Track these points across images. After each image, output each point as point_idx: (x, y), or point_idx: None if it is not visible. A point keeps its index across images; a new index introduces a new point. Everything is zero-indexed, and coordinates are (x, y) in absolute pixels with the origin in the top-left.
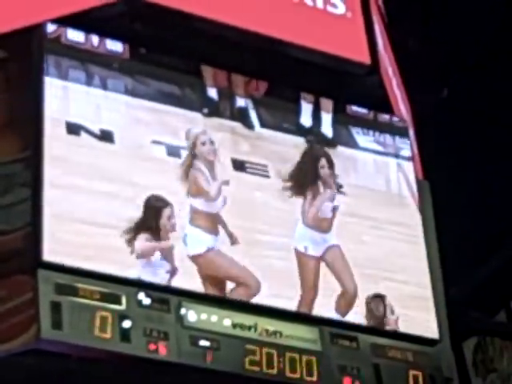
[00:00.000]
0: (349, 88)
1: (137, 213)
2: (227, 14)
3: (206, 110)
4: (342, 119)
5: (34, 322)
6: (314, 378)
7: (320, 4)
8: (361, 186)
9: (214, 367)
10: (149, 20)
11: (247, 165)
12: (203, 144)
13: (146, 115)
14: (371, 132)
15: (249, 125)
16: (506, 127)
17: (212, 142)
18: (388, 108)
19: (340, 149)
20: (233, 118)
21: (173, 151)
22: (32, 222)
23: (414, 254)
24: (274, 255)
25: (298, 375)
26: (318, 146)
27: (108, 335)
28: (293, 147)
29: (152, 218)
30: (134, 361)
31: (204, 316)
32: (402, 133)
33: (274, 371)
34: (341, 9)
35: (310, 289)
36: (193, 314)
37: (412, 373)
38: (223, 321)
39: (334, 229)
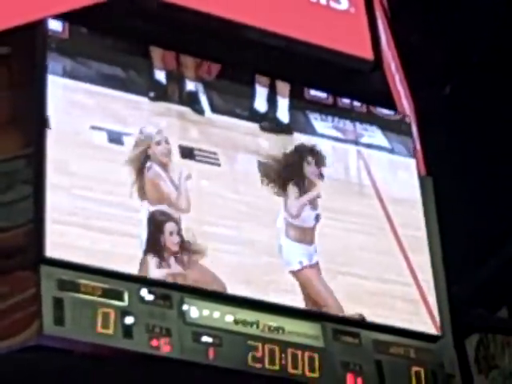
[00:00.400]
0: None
1: (71, 204)
2: (229, 10)
3: (152, 94)
4: (300, 104)
5: (37, 317)
6: (317, 375)
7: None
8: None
9: (217, 363)
10: None
11: (196, 152)
12: (158, 144)
13: (85, 99)
14: (330, 118)
15: (198, 110)
16: (510, 124)
17: (167, 142)
18: (391, 104)
19: (296, 135)
20: (181, 102)
21: (114, 137)
22: (34, 219)
23: (376, 246)
24: (222, 248)
25: (300, 371)
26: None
27: (110, 331)
28: (246, 134)
29: (155, 236)
30: (136, 357)
31: (206, 312)
32: (363, 119)
33: (277, 367)
34: (344, 4)
35: (324, 298)
36: (195, 310)
37: (414, 369)
38: (225, 317)
39: (315, 242)
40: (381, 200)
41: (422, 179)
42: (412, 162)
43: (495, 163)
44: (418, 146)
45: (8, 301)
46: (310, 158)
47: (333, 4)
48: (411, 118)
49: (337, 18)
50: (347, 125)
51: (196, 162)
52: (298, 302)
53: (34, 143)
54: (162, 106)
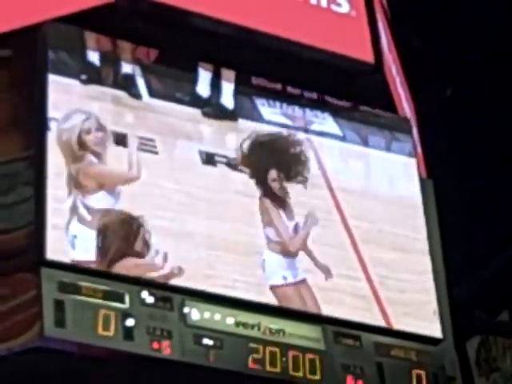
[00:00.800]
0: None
1: None
2: (231, 13)
3: (84, 77)
4: (246, 89)
5: (38, 319)
6: (317, 377)
7: (324, 3)
8: None
9: (217, 366)
10: None
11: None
12: (88, 132)
13: None
14: (278, 104)
15: (135, 94)
16: (511, 126)
17: (100, 128)
18: (392, 107)
19: (242, 122)
20: (116, 85)
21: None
22: (35, 221)
23: (326, 239)
24: (159, 241)
25: (301, 374)
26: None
27: (111, 333)
28: (187, 120)
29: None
30: (136, 359)
31: (207, 314)
32: (314, 105)
33: (277, 370)
34: (345, 7)
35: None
36: (196, 313)
37: (415, 372)
38: (226, 319)
39: (301, 253)
40: (331, 190)
41: (422, 182)
42: (368, 152)
43: (497, 165)
44: (419, 149)
45: (9, 303)
46: (274, 173)
47: (334, 7)
48: (412, 121)
49: (337, 21)
50: (296, 111)
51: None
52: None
53: (34, 145)
54: (95, 89)
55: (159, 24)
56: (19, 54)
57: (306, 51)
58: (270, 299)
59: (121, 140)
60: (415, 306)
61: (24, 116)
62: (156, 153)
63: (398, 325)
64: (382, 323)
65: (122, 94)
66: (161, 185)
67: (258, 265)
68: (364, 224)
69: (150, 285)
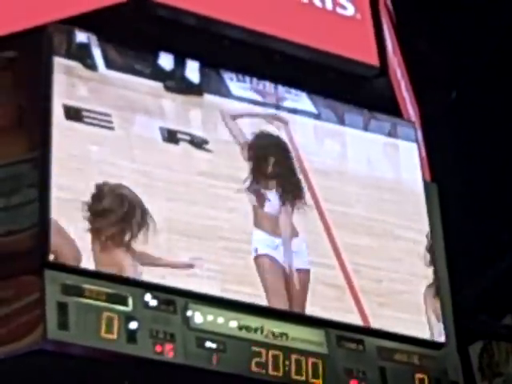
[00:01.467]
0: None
1: None
2: (233, 14)
3: None
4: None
5: (41, 322)
6: (320, 381)
7: (329, 5)
8: (231, 141)
9: (220, 369)
10: None
11: (84, 113)
12: None
13: None
14: (248, 79)
15: (90, 65)
16: None
17: None
18: (396, 110)
19: (208, 97)
20: (69, 56)
21: None
22: (39, 223)
23: (299, 223)
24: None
25: (303, 378)
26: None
27: (114, 336)
28: (147, 93)
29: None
30: (139, 362)
31: (210, 317)
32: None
33: (280, 373)
34: (350, 10)
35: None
36: (199, 316)
37: (418, 376)
38: (229, 322)
39: (295, 239)
40: (304, 171)
41: (426, 185)
42: (344, 131)
43: (501, 168)
44: (424, 153)
45: (12, 305)
46: (272, 160)
47: (339, 10)
48: (417, 124)
49: (343, 24)
50: (267, 87)
51: (84, 124)
52: (199, 284)
53: (39, 146)
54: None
55: (162, 25)
56: (24, 55)
57: (310, 54)
58: (235, 288)
59: (74, 114)
60: (392, 296)
61: (28, 118)
62: (112, 128)
63: (372, 316)
64: (355, 313)
65: (75, 65)
66: (116, 163)
67: (220, 250)
68: (339, 208)
69: (153, 288)
